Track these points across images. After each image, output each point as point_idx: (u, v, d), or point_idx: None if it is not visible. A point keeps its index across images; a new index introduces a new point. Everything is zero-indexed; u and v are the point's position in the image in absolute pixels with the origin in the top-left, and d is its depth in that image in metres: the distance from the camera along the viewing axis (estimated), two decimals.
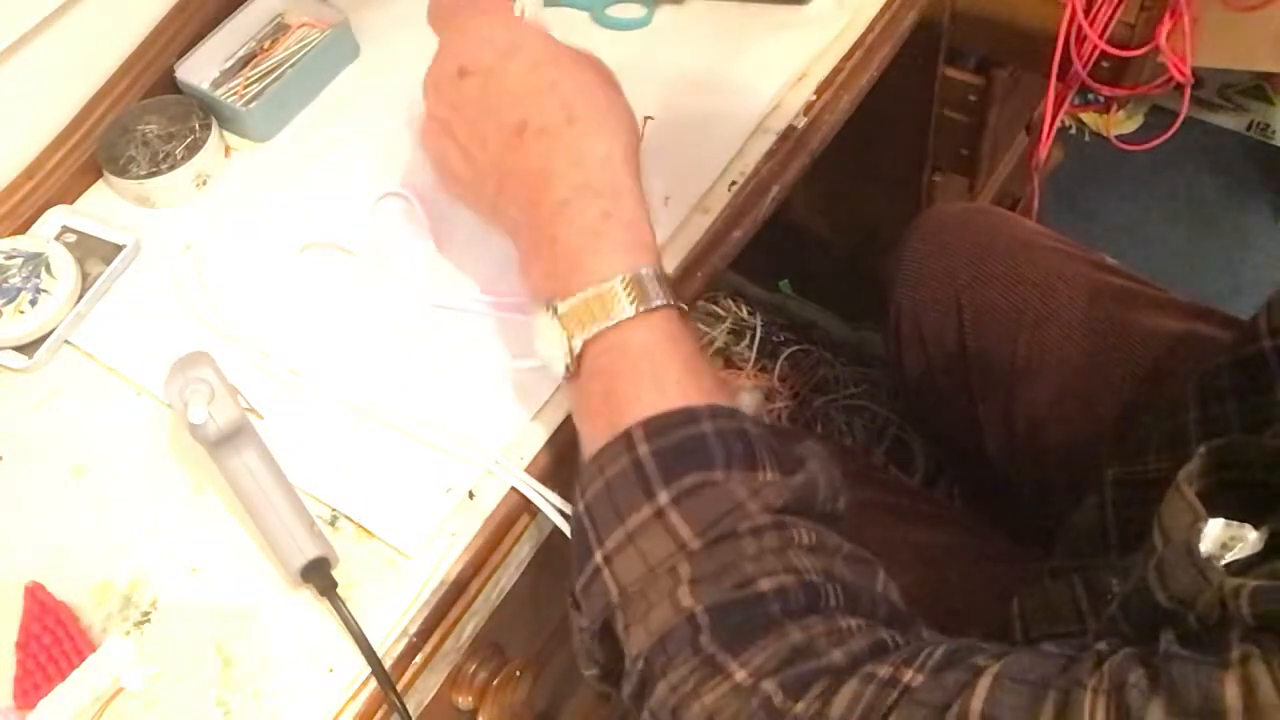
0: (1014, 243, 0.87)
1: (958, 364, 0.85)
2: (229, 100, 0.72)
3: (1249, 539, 0.42)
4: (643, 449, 0.44)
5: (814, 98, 0.70)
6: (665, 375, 0.47)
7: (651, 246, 0.49)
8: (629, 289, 0.47)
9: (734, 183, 0.66)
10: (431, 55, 0.75)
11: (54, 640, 0.53)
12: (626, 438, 0.45)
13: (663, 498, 0.43)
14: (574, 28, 0.75)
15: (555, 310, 0.49)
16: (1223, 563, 0.42)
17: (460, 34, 0.54)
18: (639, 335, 0.47)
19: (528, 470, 0.57)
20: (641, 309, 0.47)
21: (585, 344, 0.48)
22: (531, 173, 0.51)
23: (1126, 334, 0.78)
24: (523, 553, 0.58)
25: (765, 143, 0.68)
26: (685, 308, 0.49)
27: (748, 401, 1.39)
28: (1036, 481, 0.81)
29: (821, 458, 0.47)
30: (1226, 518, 0.43)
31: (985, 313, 0.84)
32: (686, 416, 0.45)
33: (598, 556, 0.44)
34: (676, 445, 0.44)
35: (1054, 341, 0.80)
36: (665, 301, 0.47)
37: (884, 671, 0.39)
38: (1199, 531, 0.40)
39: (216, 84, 0.73)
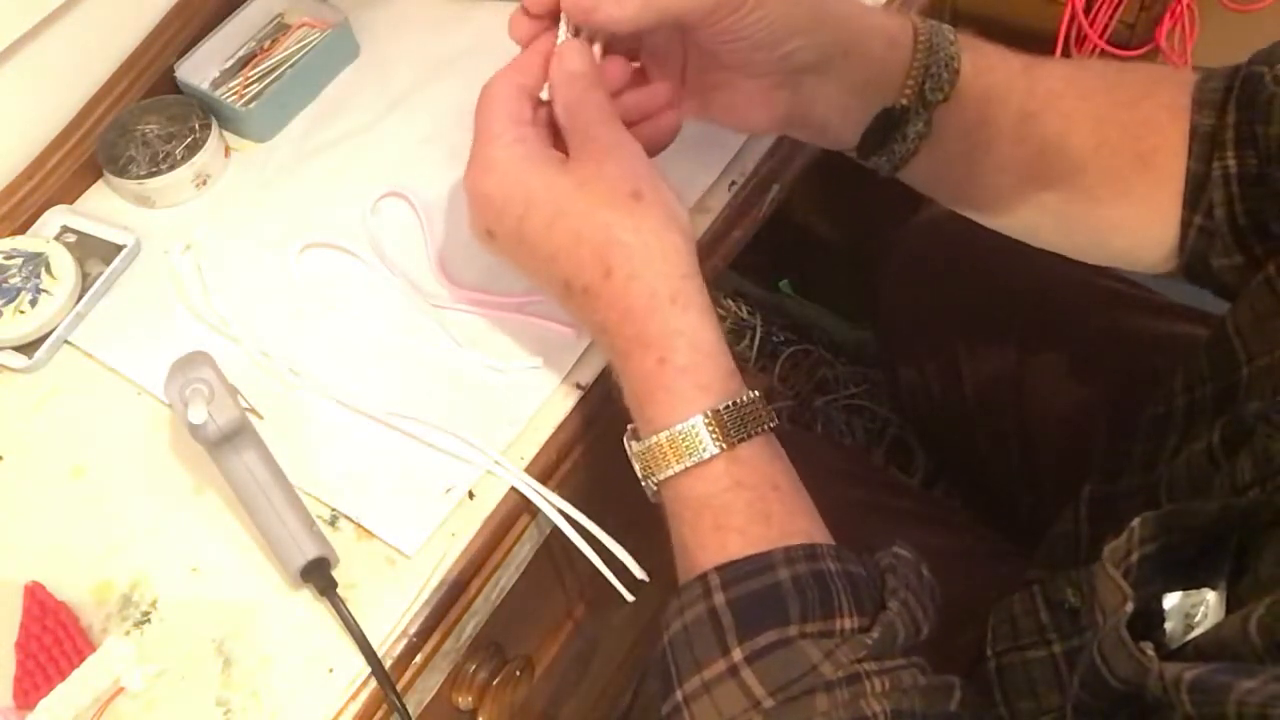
0: (1006, 247, 0.87)
1: (950, 368, 0.85)
2: (229, 100, 0.72)
3: (1209, 600, 0.43)
4: (718, 598, 0.45)
5: None
6: (727, 525, 0.47)
7: (711, 384, 0.48)
8: (675, 444, 0.47)
9: (734, 183, 0.67)
10: (430, 56, 0.76)
11: (54, 640, 0.53)
12: (703, 582, 0.46)
13: (737, 655, 0.44)
14: None
15: (632, 447, 0.50)
16: (1192, 636, 0.42)
17: (471, 193, 0.51)
18: (696, 488, 0.48)
19: (528, 470, 0.57)
20: (690, 463, 0.47)
21: (657, 484, 0.49)
22: (591, 325, 0.51)
23: (1118, 337, 0.78)
24: (523, 553, 0.59)
25: (765, 143, 0.68)
26: (750, 435, 0.47)
27: None
28: (1030, 486, 0.81)
29: (906, 583, 0.46)
30: (1180, 579, 0.43)
31: (977, 318, 0.84)
32: (762, 564, 0.45)
33: (678, 695, 0.45)
34: (752, 597, 0.45)
35: (1046, 345, 0.80)
36: (719, 448, 0.47)
37: None
38: (1126, 614, 0.40)
39: (216, 84, 0.73)
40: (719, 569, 0.46)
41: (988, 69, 0.56)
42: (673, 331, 0.48)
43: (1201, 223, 0.57)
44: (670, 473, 0.47)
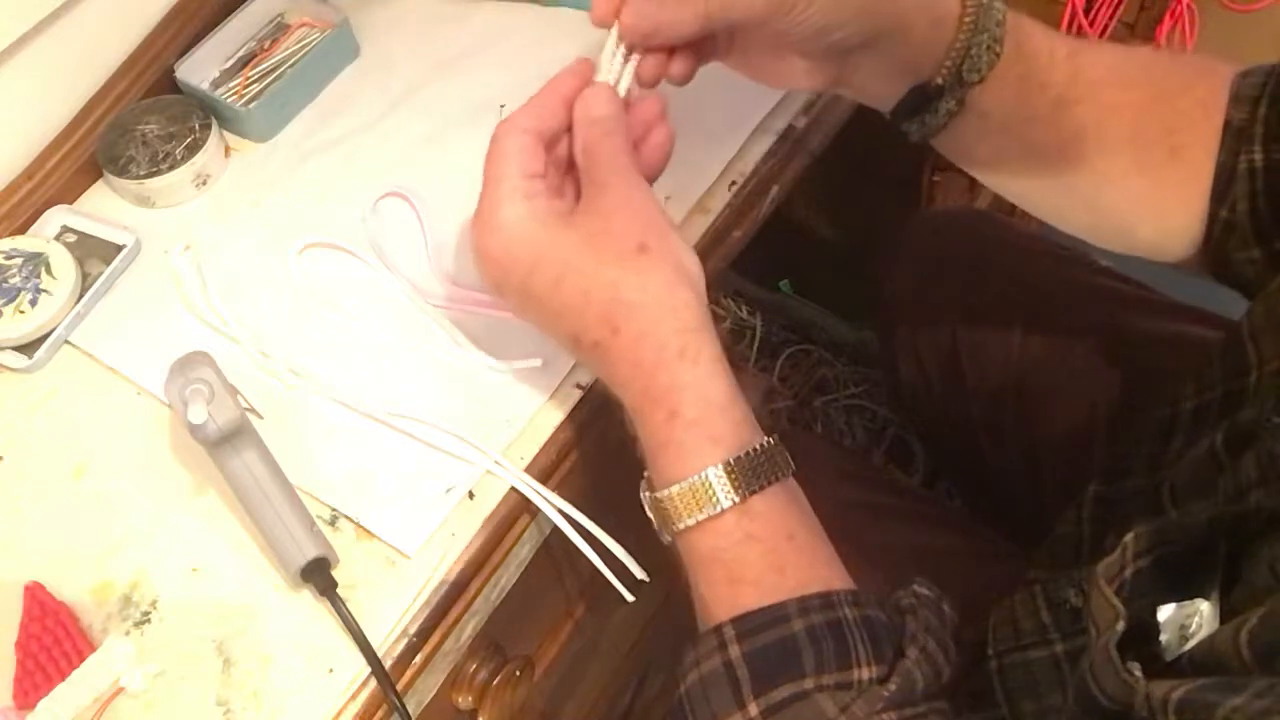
0: (1008, 247, 0.87)
1: (951, 368, 0.85)
2: (229, 100, 0.72)
3: (1204, 611, 0.43)
4: (734, 651, 0.45)
5: (814, 97, 0.70)
6: (741, 578, 0.47)
7: (723, 436, 0.47)
8: (687, 498, 0.47)
9: (734, 183, 0.66)
10: (430, 56, 0.76)
11: (54, 640, 0.53)
12: (718, 634, 0.46)
13: (753, 709, 0.44)
14: (574, 28, 0.75)
15: (646, 498, 0.50)
16: (1187, 647, 0.42)
17: (478, 252, 0.51)
18: (708, 541, 0.47)
19: (528, 470, 0.57)
20: (702, 516, 0.47)
21: (672, 535, 0.49)
22: (602, 376, 0.52)
23: (1120, 337, 0.78)
24: (523, 553, 0.59)
25: (765, 143, 0.68)
26: (765, 485, 0.47)
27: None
28: (1031, 485, 0.81)
29: (926, 626, 0.46)
30: (1174, 590, 0.43)
31: (978, 317, 0.84)
32: (776, 615, 0.45)
33: None
34: (767, 649, 0.44)
35: (1047, 345, 0.80)
36: (731, 501, 0.46)
37: None
38: (1117, 633, 0.40)
39: (216, 84, 0.73)
40: (733, 621, 0.45)
41: (1032, 53, 0.56)
42: (681, 385, 0.48)
43: (1226, 216, 0.57)
44: (683, 525, 0.47)
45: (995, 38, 0.54)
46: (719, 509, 0.46)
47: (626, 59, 0.53)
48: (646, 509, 0.50)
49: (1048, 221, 0.64)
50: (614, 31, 0.52)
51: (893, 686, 0.43)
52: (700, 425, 0.47)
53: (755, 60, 0.57)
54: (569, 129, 0.53)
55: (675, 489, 0.47)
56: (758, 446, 0.47)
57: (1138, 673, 0.39)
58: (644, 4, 0.51)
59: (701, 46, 0.55)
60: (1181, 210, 0.58)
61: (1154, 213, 0.59)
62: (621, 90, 0.53)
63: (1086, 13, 1.17)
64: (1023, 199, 0.63)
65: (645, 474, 0.50)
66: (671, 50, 0.54)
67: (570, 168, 0.54)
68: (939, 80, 0.55)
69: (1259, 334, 0.54)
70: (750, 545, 0.47)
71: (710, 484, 0.46)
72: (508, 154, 0.51)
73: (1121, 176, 0.58)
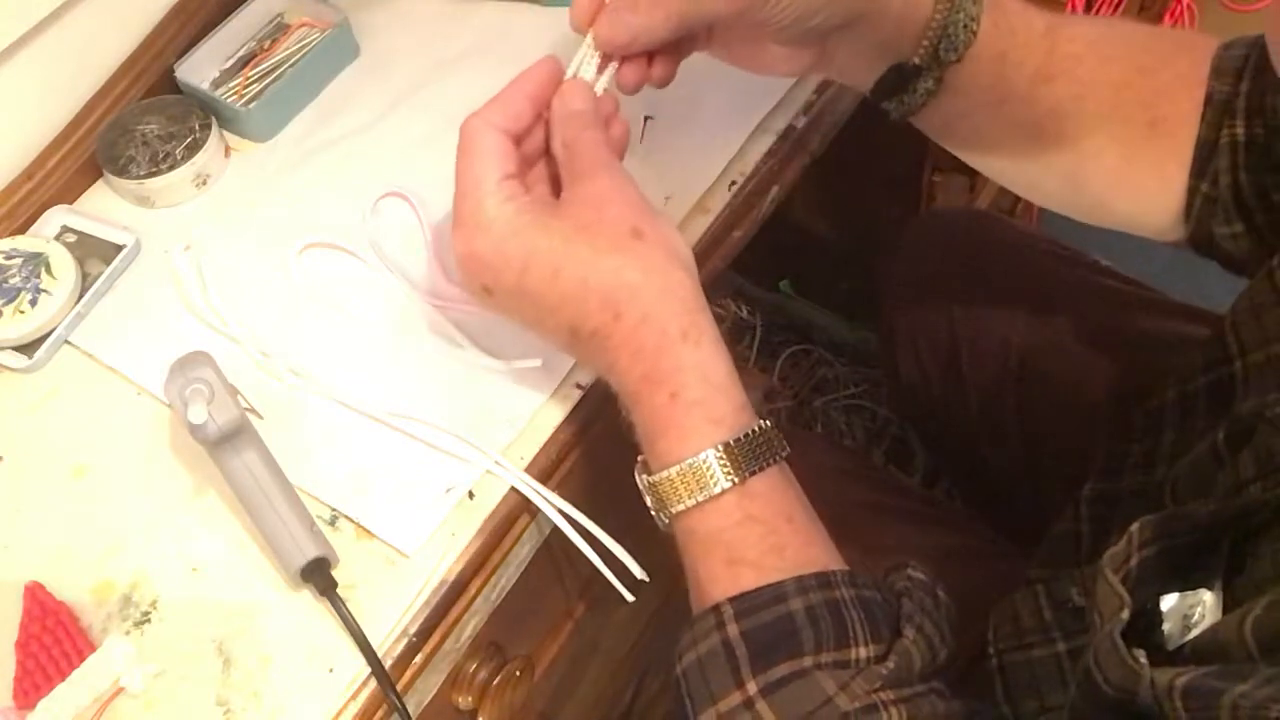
0: (1008, 247, 0.87)
1: (951, 367, 0.85)
2: (229, 100, 0.72)
3: (1206, 601, 0.43)
4: (732, 630, 0.45)
5: (814, 97, 0.70)
6: (740, 559, 0.47)
7: (723, 418, 0.48)
8: (686, 479, 0.47)
9: (734, 183, 0.66)
10: (430, 56, 0.76)
11: (54, 640, 0.53)
12: (716, 613, 0.46)
13: (752, 687, 0.44)
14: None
15: (643, 480, 0.50)
16: (1189, 637, 0.42)
17: (465, 253, 0.51)
18: (708, 522, 0.47)
19: (528, 470, 0.57)
20: (701, 498, 0.47)
21: (669, 518, 0.49)
22: (599, 365, 0.52)
23: (1120, 337, 0.78)
24: (523, 553, 0.59)
25: (765, 143, 0.68)
26: (764, 467, 0.47)
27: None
28: (1030, 485, 0.81)
29: (922, 607, 0.46)
30: (1178, 580, 0.43)
31: (979, 317, 0.84)
32: (774, 595, 0.45)
33: None
34: (765, 628, 0.44)
35: (1047, 345, 0.80)
36: (731, 482, 0.46)
37: None
38: (1122, 621, 0.40)
39: (216, 84, 0.73)
40: (732, 600, 0.45)
41: (1008, 31, 0.56)
42: (684, 367, 0.48)
43: (1207, 190, 0.57)
44: (682, 507, 0.47)
45: (972, 16, 0.54)
46: (718, 489, 0.47)
47: (602, 66, 0.54)
48: (643, 492, 0.50)
49: (1025, 197, 0.64)
50: (587, 40, 0.53)
51: (891, 665, 0.43)
52: (701, 406, 0.48)
53: (735, 50, 0.57)
54: (534, 126, 0.53)
55: (675, 470, 0.47)
56: (756, 429, 0.48)
57: (1143, 659, 0.39)
58: (618, 14, 0.52)
59: (680, 45, 0.55)
60: (1159, 184, 0.58)
61: (1132, 187, 0.59)
62: (597, 93, 0.54)
63: (1086, 13, 1.17)
64: (1000, 174, 0.63)
65: (640, 457, 0.50)
66: (650, 54, 0.54)
67: (536, 161, 0.54)
68: (916, 60, 0.55)
69: (1241, 324, 0.54)
70: (750, 526, 0.47)
71: (710, 464, 0.47)
72: (485, 154, 0.51)
73: (1099, 151, 0.58)
